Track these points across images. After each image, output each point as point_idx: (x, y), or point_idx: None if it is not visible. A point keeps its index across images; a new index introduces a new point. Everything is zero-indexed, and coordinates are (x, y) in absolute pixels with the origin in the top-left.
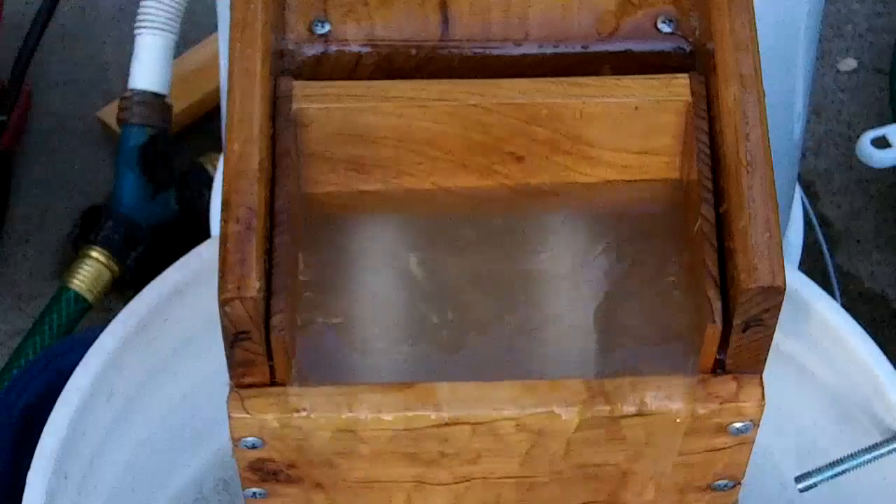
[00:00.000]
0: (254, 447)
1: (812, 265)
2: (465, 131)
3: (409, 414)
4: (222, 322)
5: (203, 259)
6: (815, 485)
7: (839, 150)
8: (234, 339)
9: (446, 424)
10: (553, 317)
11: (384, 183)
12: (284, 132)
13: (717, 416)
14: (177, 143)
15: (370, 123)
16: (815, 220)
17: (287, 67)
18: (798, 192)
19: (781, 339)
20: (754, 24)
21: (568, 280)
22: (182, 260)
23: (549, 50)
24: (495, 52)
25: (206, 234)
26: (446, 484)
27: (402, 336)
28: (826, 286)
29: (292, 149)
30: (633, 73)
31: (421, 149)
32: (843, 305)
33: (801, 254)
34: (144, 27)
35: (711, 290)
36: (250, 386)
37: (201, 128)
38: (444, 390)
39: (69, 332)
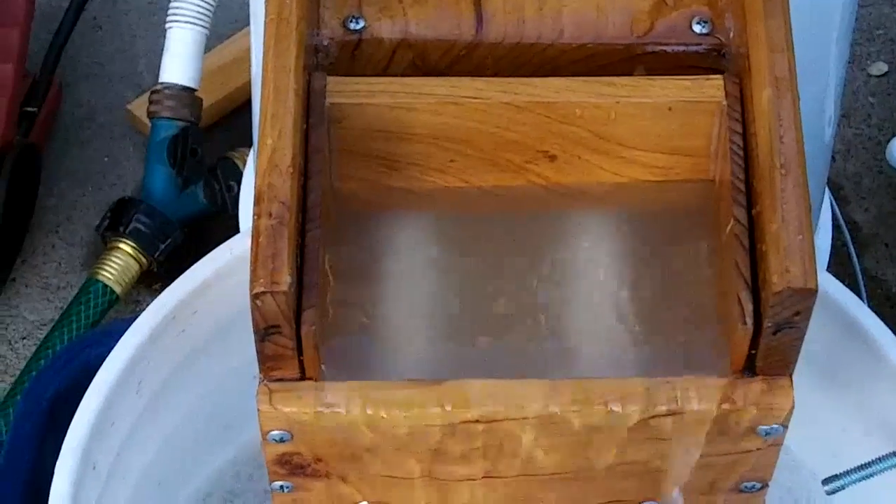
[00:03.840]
0: (282, 441)
1: (840, 269)
2: (497, 129)
3: (440, 411)
4: (253, 316)
5: (233, 253)
6: (842, 487)
7: (868, 153)
8: (264, 333)
9: (476, 422)
10: (584, 317)
11: (415, 180)
12: (317, 128)
13: (747, 417)
14: (206, 138)
15: (403, 120)
16: (843, 224)
17: (321, 63)
18: (827, 196)
19: (810, 342)
20: (789, 26)
21: (599, 280)
22: (212, 254)
23: (583, 49)
24: (529, 50)
25: (234, 229)
26: (472, 479)
27: (431, 333)
28: (853, 290)
29: (325, 144)
30: (667, 74)
31: (453, 146)
32: (871, 310)
33: (829, 257)
34: (176, 21)
35: (743, 292)
36: (280, 380)
37: (230, 123)
38: (474, 388)
39: (97, 324)
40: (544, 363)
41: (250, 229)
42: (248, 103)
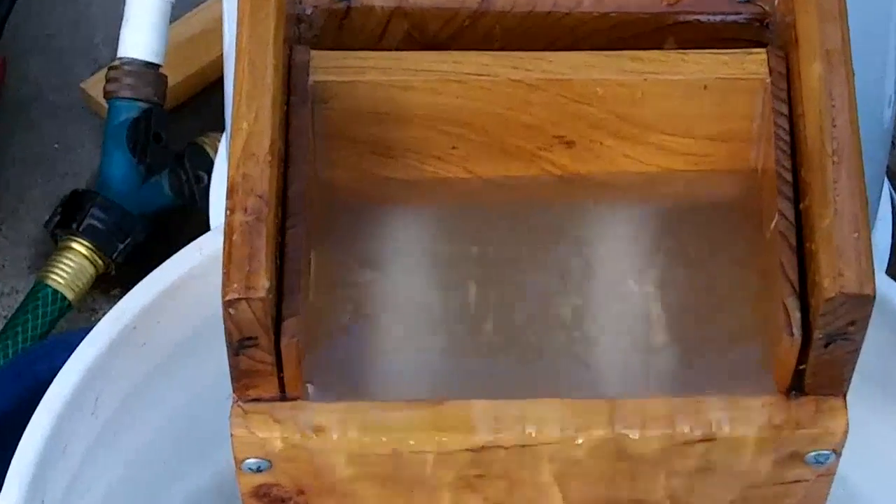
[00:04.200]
0: (259, 470)
1: None
2: (506, 111)
3: (441, 436)
4: (226, 326)
5: (203, 254)
6: None
7: None
8: (238, 345)
9: (483, 448)
10: (604, 326)
11: (412, 169)
12: (300, 109)
13: (794, 443)
14: (172, 121)
15: (398, 100)
16: None
17: (304, 35)
18: (886, 187)
19: (866, 354)
20: None
21: (622, 284)
22: (179, 255)
23: (606, 19)
24: (543, 20)
25: (204, 226)
26: None
27: (432, 345)
28: None
29: (309, 128)
30: (702, 48)
31: (456, 131)
32: None
33: (889, 257)
34: None
35: (789, 298)
36: (256, 400)
37: (200, 103)
38: (480, 408)
39: (46, 335)
40: (560, 380)
41: (222, 226)
42: (220, 81)
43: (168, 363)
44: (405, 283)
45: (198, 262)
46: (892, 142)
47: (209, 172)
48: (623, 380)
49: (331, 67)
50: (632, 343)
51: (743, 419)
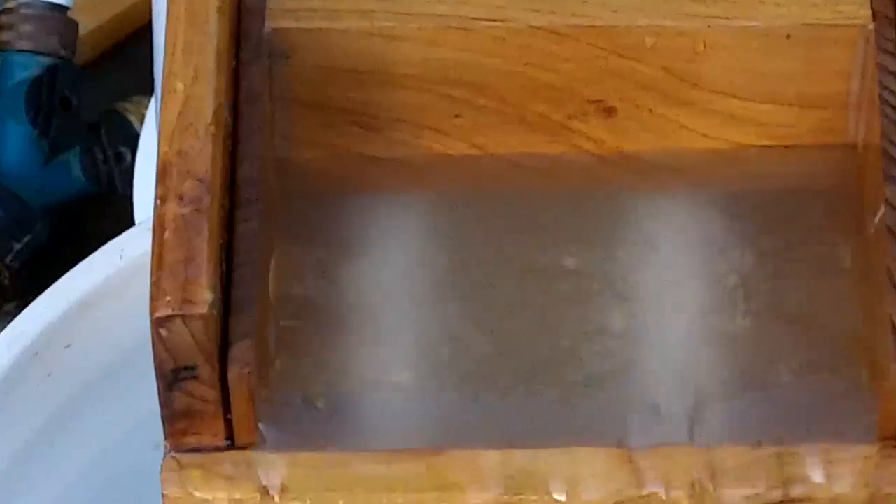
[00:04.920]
0: None
1: None
2: (526, 68)
3: (443, 497)
4: (156, 352)
5: (125, 258)
6: None
7: None
8: (172, 377)
9: None
10: (656, 350)
11: (402, 145)
12: (253, 66)
13: None
14: (85, 81)
15: (383, 54)
16: None
17: None
18: None
19: None
20: None
21: (679, 296)
22: (93, 258)
23: None
24: None
25: (127, 220)
26: None
27: (425, 376)
28: None
29: (265, 91)
30: None
31: (459, 94)
32: None
33: None
34: None
35: None
36: (196, 450)
37: (121, 58)
38: (489, 460)
39: None
40: (599, 422)
41: (151, 220)
42: (146, 29)
43: (80, 401)
44: (392, 295)
45: (118, 268)
46: None
47: (133, 149)
48: (682, 421)
49: (294, 10)
50: (692, 372)
51: (840, 474)
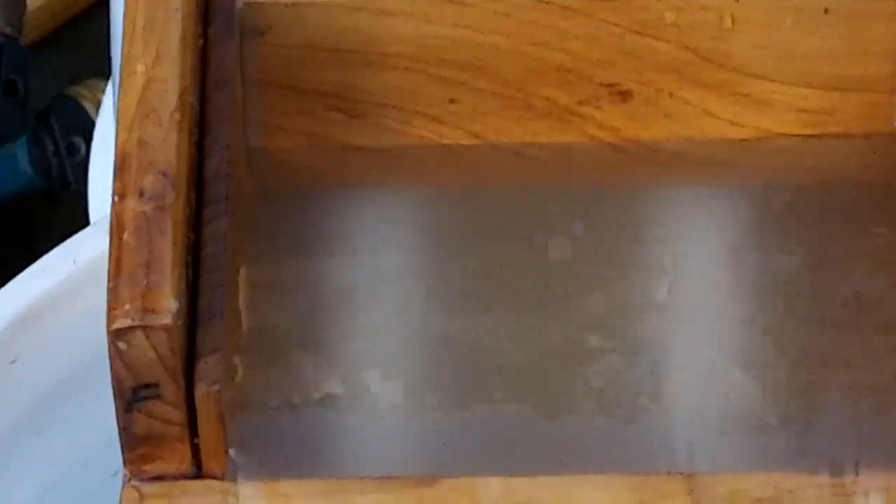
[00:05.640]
0: None
1: None
2: (531, 48)
3: None
4: (113, 368)
5: (79, 262)
6: None
7: None
8: (132, 396)
9: None
10: (679, 366)
11: (392, 133)
12: (223, 45)
13: None
14: (33, 62)
15: (370, 31)
16: None
17: None
18: None
19: None
20: None
21: (705, 301)
22: (42, 262)
23: None
24: None
25: (81, 218)
26: None
27: (416, 394)
28: None
29: (236, 74)
30: None
31: (455, 76)
32: None
33: None
34: None
35: None
36: (159, 478)
37: (73, 36)
38: (493, 489)
39: None
40: (611, 445)
41: (108, 219)
42: (101, 4)
43: (26, 424)
44: (378, 302)
45: (71, 273)
46: None
47: (88, 139)
48: (707, 444)
49: None
50: (718, 388)
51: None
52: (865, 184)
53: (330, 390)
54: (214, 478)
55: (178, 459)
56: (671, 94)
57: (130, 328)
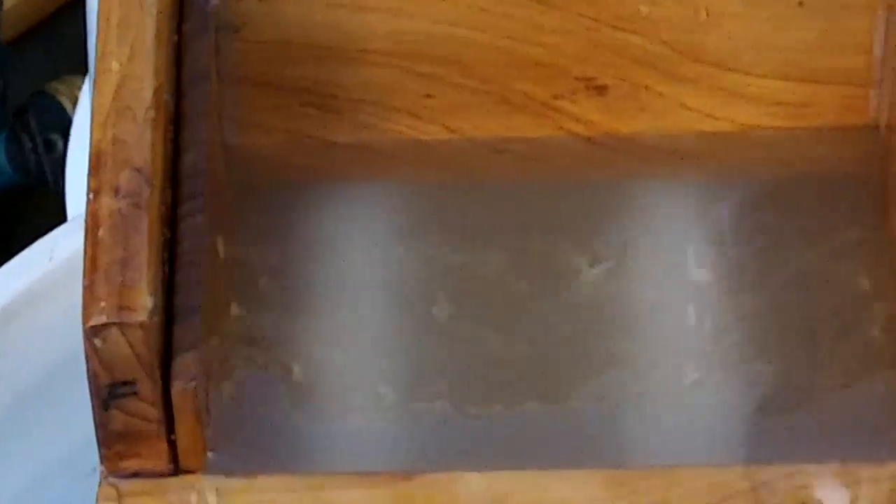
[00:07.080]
0: None
1: None
2: (507, 41)
3: None
4: (89, 365)
5: (56, 257)
6: None
7: None
8: (108, 394)
9: None
10: (657, 359)
11: (368, 130)
12: (198, 41)
13: None
14: (10, 58)
15: (346, 27)
16: None
17: None
18: None
19: None
20: None
21: (683, 297)
22: (19, 259)
23: None
24: None
25: (57, 215)
26: None
27: (396, 390)
28: None
29: (212, 70)
30: None
31: (432, 71)
32: None
33: None
34: None
35: None
36: (136, 475)
37: (51, 33)
38: (473, 485)
39: None
40: (592, 440)
41: (84, 216)
42: (78, 0)
43: (3, 423)
44: (356, 298)
45: (48, 270)
46: None
47: (65, 135)
48: (687, 438)
49: None
50: (698, 382)
51: (867, 497)
52: (839, 175)
53: (308, 385)
54: (192, 473)
55: (156, 456)
56: (647, 88)
57: (106, 325)
